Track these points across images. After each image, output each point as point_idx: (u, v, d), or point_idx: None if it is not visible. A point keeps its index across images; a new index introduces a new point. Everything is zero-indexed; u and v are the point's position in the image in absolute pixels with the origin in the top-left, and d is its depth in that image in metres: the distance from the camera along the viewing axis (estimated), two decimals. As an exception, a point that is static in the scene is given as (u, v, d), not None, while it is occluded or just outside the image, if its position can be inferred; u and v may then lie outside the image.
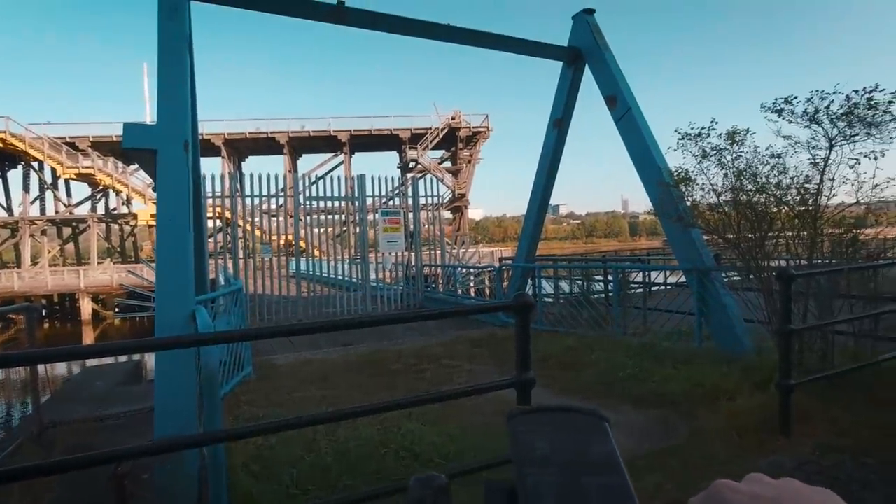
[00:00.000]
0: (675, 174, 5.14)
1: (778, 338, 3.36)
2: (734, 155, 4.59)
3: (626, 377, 4.44)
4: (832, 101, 4.13)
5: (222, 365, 4.63)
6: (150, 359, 11.56)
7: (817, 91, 4.19)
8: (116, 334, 23.27)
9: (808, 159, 4.29)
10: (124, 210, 32.97)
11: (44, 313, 25.76)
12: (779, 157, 4.42)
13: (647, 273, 6.83)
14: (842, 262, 4.09)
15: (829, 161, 4.15)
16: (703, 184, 4.85)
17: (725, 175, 4.63)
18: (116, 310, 21.75)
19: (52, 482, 2.88)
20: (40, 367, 4.31)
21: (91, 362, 8.45)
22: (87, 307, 25.00)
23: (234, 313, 5.66)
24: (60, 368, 9.94)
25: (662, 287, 6.92)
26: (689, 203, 5.15)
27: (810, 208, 4.23)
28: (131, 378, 6.83)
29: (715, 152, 4.64)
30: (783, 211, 4.49)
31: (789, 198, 4.38)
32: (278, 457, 3.15)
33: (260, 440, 3.28)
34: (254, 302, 9.80)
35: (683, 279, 5.79)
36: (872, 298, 4.01)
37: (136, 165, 29.62)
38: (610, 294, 6.93)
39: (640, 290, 6.80)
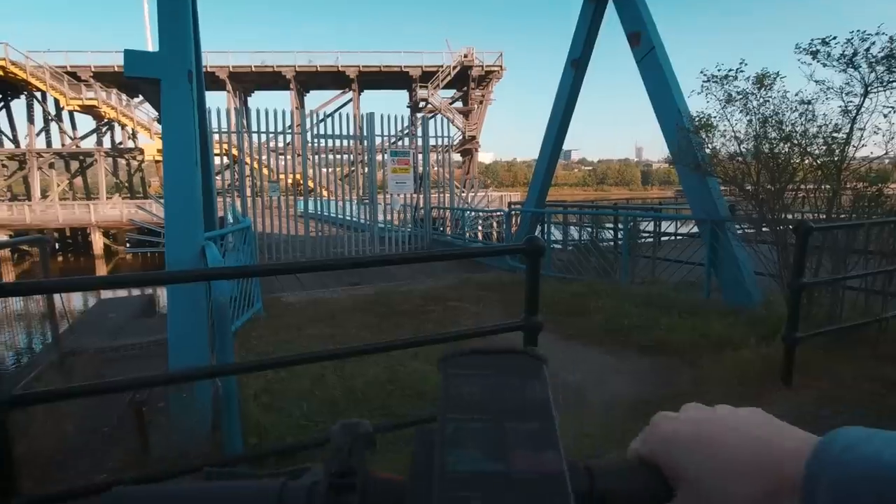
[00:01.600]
0: (697, 120, 4.94)
1: (789, 291, 3.32)
2: (761, 100, 4.37)
3: (632, 325, 4.48)
4: (873, 44, 3.87)
5: (233, 301, 4.71)
6: (162, 293, 11.85)
7: (858, 31, 3.92)
8: (128, 269, 23.75)
9: (840, 107, 4.09)
10: (130, 145, 32.69)
11: (56, 247, 26.20)
12: (808, 103, 4.20)
13: (658, 222, 6.73)
14: (862, 217, 3.98)
15: (862, 109, 3.95)
16: (724, 130, 4.67)
17: (749, 122, 4.44)
18: (127, 245, 22.04)
19: (73, 407, 3.00)
20: (57, 299, 4.40)
21: (105, 295, 8.65)
22: (98, 242, 25.37)
23: (243, 251, 5.70)
24: (76, 301, 10.22)
25: (673, 237, 6.83)
26: (708, 151, 4.97)
27: (836, 159, 4.07)
28: (144, 311, 7.01)
29: (741, 97, 4.43)
30: (806, 162, 4.33)
31: (815, 148, 4.21)
32: (288, 390, 3.25)
33: (270, 374, 3.38)
34: (262, 241, 9.86)
35: (695, 230, 5.70)
36: (890, 255, 3.93)
37: (141, 98, 29.14)
38: (619, 242, 6.88)
39: (651, 239, 6.72)
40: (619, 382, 3.66)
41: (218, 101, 42.66)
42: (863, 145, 4.01)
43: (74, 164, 33.83)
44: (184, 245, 3.24)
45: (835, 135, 4.08)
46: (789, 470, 0.31)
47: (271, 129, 10.60)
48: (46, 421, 2.73)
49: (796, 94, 4.26)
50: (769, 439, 0.33)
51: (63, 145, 32.23)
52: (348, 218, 12.79)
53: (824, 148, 4.13)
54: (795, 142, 4.22)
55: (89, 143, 32.80)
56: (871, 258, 3.98)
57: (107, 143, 32.97)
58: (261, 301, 5.85)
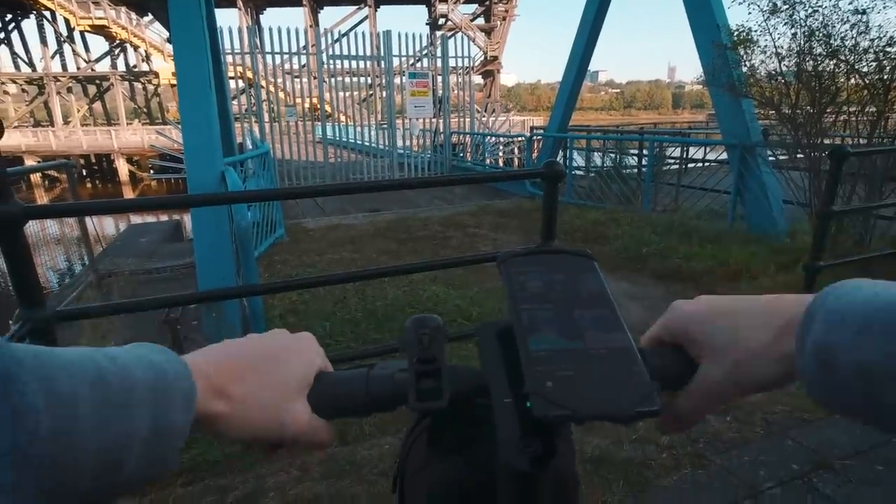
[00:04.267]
0: (735, 34, 4.58)
1: (818, 219, 3.23)
2: (809, 10, 4.00)
3: (650, 253, 4.46)
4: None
5: (255, 226, 4.80)
6: (189, 218, 12.16)
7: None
8: (154, 195, 24.20)
9: (898, 17, 3.72)
10: (145, 68, 32.06)
11: (84, 173, 26.67)
12: (863, 13, 3.83)
13: (685, 148, 6.45)
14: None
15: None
16: (765, 46, 4.33)
17: (794, 36, 4.09)
18: (151, 171, 22.30)
19: (114, 322, 3.21)
20: (89, 224, 4.55)
21: (135, 220, 8.91)
22: (123, 168, 25.70)
23: (262, 177, 5.73)
24: (108, 227, 10.56)
25: (700, 164, 6.58)
26: (744, 69, 4.65)
27: (885, 77, 3.77)
28: (173, 236, 7.23)
29: (788, 6, 4.05)
30: (852, 81, 4.02)
31: (863, 65, 3.89)
32: (311, 311, 3.39)
33: (294, 296, 3.51)
34: (281, 167, 9.86)
35: (724, 156, 5.47)
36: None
37: (150, 17, 28.14)
38: (643, 169, 6.68)
39: (676, 165, 6.49)
40: (632, 308, 3.71)
41: (228, 19, 40.87)
42: (918, 61, 3.69)
43: (92, 89, 33.54)
44: (204, 170, 3.27)
45: (888, 49, 3.75)
46: (795, 312, 0.33)
47: (285, 49, 10.22)
48: (94, 334, 2.94)
49: (850, 3, 3.88)
50: (778, 297, 0.37)
51: (78, 69, 31.80)
52: (367, 144, 12.60)
53: (874, 64, 3.82)
54: (843, 58, 3.90)
55: (104, 67, 32.29)
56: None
57: (121, 67, 32.39)
58: (283, 227, 5.96)
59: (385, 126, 11.68)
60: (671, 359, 0.40)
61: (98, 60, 32.54)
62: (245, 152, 6.80)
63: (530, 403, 0.32)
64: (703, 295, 0.40)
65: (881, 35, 3.81)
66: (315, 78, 11.03)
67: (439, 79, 11.32)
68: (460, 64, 11.70)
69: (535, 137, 9.02)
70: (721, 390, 0.36)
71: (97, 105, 35.21)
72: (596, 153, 7.46)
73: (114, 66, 31.93)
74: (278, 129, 10.70)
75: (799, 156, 4.26)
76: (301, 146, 10.81)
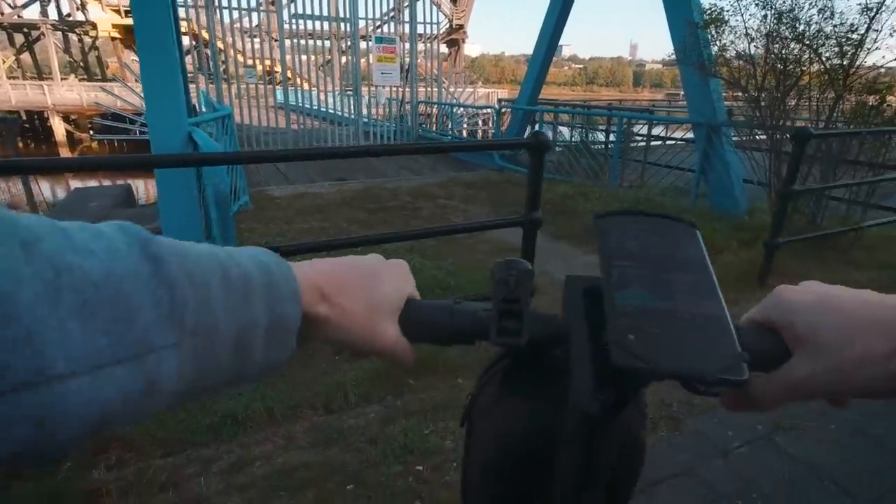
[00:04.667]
0: (708, 13, 4.66)
1: (778, 198, 3.40)
2: (781, -9, 4.11)
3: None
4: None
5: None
6: (140, 183, 11.44)
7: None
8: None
9: (859, 3, 3.89)
10: (80, 17, 29.48)
11: (14, 130, 24.54)
12: (830, -2, 3.98)
13: (651, 125, 6.60)
14: (860, 127, 3.98)
15: (883, 7, 3.76)
16: (735, 26, 4.44)
17: (764, 17, 4.21)
18: (91, 132, 20.77)
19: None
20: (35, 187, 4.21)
21: (75, 185, 8.32)
22: (59, 128, 23.82)
23: (223, 141, 5.45)
24: (45, 191, 9.82)
25: (665, 142, 6.75)
26: (715, 49, 4.76)
27: (845, 63, 3.95)
28: (125, 201, 6.83)
29: (760, -14, 4.15)
30: (814, 66, 4.20)
31: (825, 49, 4.06)
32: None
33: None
34: (239, 132, 9.42)
35: (689, 135, 5.63)
36: (878, 166, 3.99)
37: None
38: (611, 144, 6.80)
39: (643, 142, 6.64)
40: (583, 263, 3.82)
41: (177, -30, 37.98)
42: (875, 48, 3.89)
43: (19, 39, 30.64)
44: (169, 130, 3.07)
45: (850, 35, 3.92)
46: None
47: (242, 5, 9.64)
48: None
49: (818, -13, 4.01)
50: (893, 304, 0.35)
51: (2, 14, 28.90)
52: (331, 111, 12.20)
53: (836, 49, 3.99)
54: (807, 42, 4.06)
55: (33, 14, 29.49)
56: (858, 169, 4.04)
57: (53, 15, 29.67)
58: (247, 194, 5.73)
59: (350, 93, 11.32)
60: (765, 342, 0.38)
61: (25, 6, 29.65)
62: (200, 115, 6.43)
63: (610, 352, 0.31)
64: (811, 281, 0.39)
65: (843, 21, 3.98)
66: (275, 40, 10.47)
67: (406, 45, 11.01)
68: (427, 31, 11.41)
69: (503, 109, 8.97)
70: (811, 387, 0.35)
71: (26, 57, 32.27)
72: (564, 128, 7.51)
73: (44, 13, 29.20)
74: (234, 91, 10.15)
75: (762, 137, 4.44)
76: (260, 111, 10.33)
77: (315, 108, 12.44)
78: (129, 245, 0.26)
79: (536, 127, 8.31)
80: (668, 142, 6.44)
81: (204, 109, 8.02)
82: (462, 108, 11.13)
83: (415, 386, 2.43)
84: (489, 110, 10.81)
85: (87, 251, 0.24)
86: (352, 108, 11.17)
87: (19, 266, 0.21)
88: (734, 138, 4.99)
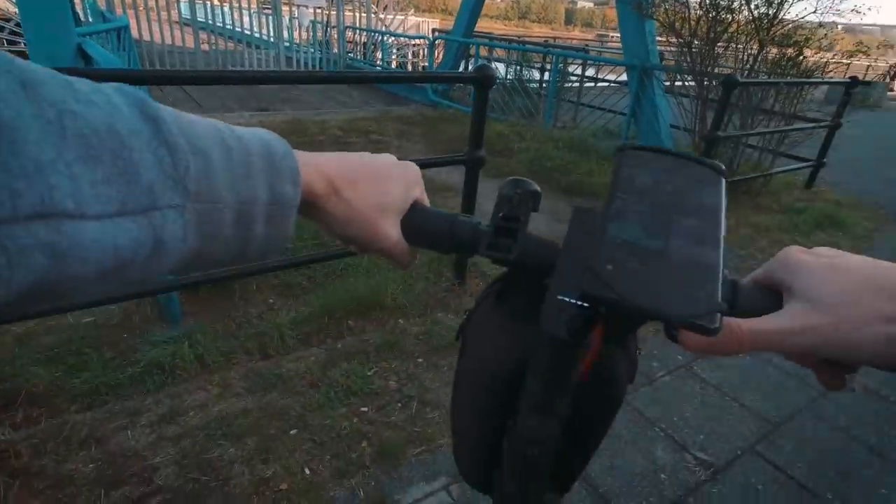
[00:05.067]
0: (649, -49, 4.60)
1: (704, 142, 3.56)
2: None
3: (554, 167, 4.63)
4: None
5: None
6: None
7: None
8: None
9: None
10: None
11: None
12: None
13: (584, 66, 6.58)
14: (777, 77, 4.20)
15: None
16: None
17: (702, -40, 4.22)
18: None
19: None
20: None
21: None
22: None
23: (120, 58, 4.73)
24: None
25: (598, 83, 6.80)
26: (653, -10, 4.75)
27: (770, 13, 4.10)
28: None
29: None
30: (744, 14, 4.32)
31: (755, -3, 4.17)
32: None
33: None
34: (140, 49, 8.28)
35: (622, 77, 5.71)
36: (790, 116, 4.28)
37: None
38: (545, 84, 6.74)
39: (577, 83, 6.65)
40: (538, 219, 3.89)
41: None
42: None
43: None
44: (53, 41, 2.59)
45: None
46: None
47: None
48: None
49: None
50: None
51: None
52: (246, 32, 11.02)
53: (765, -1, 4.12)
54: (739, -10, 4.14)
55: None
56: (773, 119, 4.31)
57: None
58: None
59: (268, 11, 10.25)
60: (762, 299, 0.37)
61: None
62: (87, 25, 5.54)
63: (587, 282, 0.32)
64: (822, 247, 0.37)
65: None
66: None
67: (332, -40, 10.02)
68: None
69: (437, 40, 8.56)
70: (801, 340, 0.33)
71: None
72: (500, 64, 7.33)
73: None
74: (129, 0, 8.81)
75: (690, 83, 4.58)
76: (161, 27, 9.08)
77: (227, 26, 11.18)
78: (129, 105, 0.26)
79: (472, 62, 8.04)
80: (601, 83, 6.50)
81: (91, 20, 6.92)
82: (393, 38, 10.49)
83: (355, 327, 2.38)
84: (422, 41, 10.28)
85: (88, 101, 0.24)
86: (270, 29, 10.16)
87: (20, 102, 0.21)
88: (664, 82, 5.12)
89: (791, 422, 1.99)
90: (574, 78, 6.56)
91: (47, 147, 0.21)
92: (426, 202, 0.46)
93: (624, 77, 5.67)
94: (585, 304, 0.34)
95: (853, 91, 4.34)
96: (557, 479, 0.53)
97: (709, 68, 4.32)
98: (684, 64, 4.52)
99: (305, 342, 2.25)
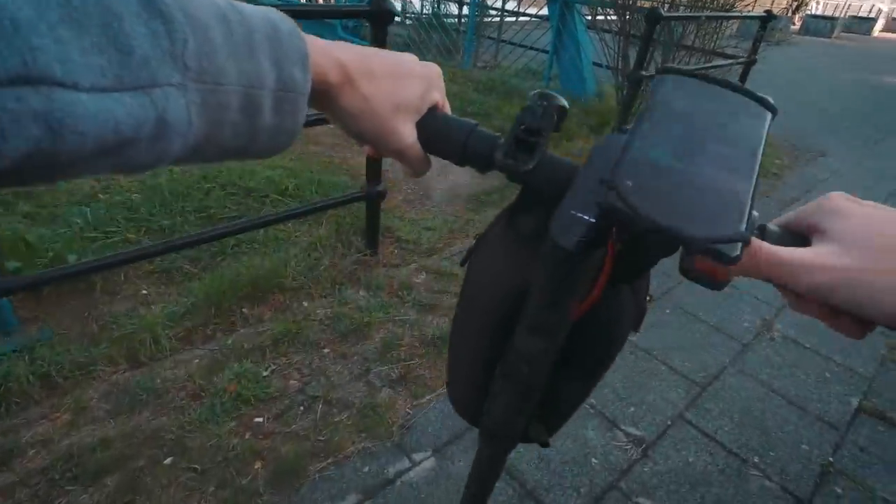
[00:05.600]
0: None
1: (628, 81, 3.37)
2: None
3: (475, 112, 4.31)
4: None
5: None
6: None
7: None
8: None
9: None
10: None
11: None
12: None
13: (505, -1, 6.11)
14: (697, 12, 4.04)
15: None
16: None
17: None
18: None
19: None
20: None
21: None
22: None
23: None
24: None
25: (521, 18, 6.35)
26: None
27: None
28: None
29: None
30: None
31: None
32: (60, 197, 2.49)
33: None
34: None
35: (544, 11, 5.35)
36: (710, 53, 4.18)
37: None
38: (464, 20, 6.24)
39: (498, 18, 6.22)
40: (458, 171, 3.61)
41: None
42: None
43: None
44: None
45: None
46: None
47: None
48: None
49: None
50: None
51: None
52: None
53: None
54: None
55: None
56: (693, 55, 4.20)
57: None
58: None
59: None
60: (788, 238, 0.34)
61: None
62: None
63: (606, 196, 0.30)
64: (870, 202, 0.33)
65: None
66: None
67: None
68: None
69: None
70: (823, 273, 0.30)
71: None
72: (414, -4, 6.70)
73: None
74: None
75: (612, 17, 4.33)
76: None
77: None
78: None
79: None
80: (522, 18, 6.10)
81: None
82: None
83: (250, 316, 2.04)
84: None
85: None
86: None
87: None
88: (586, 17, 4.82)
89: (717, 381, 1.94)
90: (494, 12, 6.12)
91: (24, 5, 0.19)
92: (447, 108, 0.44)
93: (546, 11, 5.32)
94: (598, 220, 0.32)
95: (768, 25, 4.30)
96: (546, 417, 0.51)
97: (631, 1, 4.09)
98: (606, -3, 4.27)
99: (187, 341, 1.90)
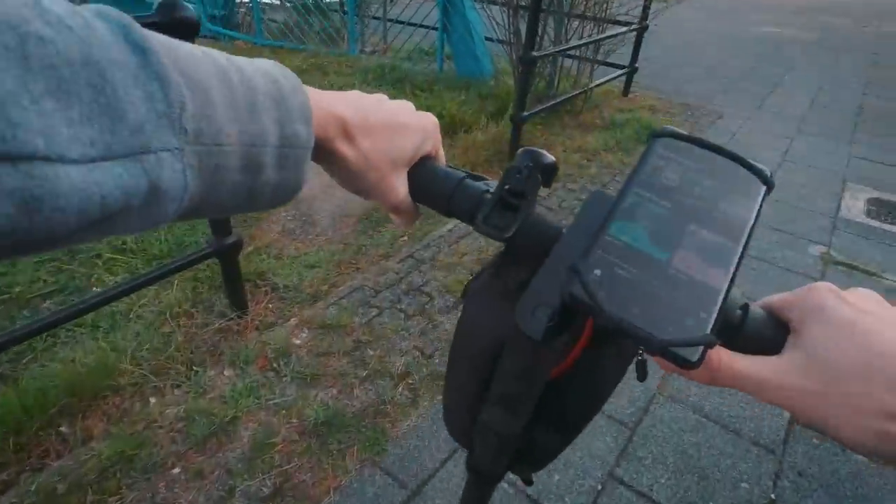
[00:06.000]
0: None
1: (520, 64, 3.07)
2: None
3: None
4: None
5: None
6: None
7: None
8: None
9: None
10: None
11: None
12: None
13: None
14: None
15: None
16: None
17: None
18: None
19: None
20: None
21: None
22: None
23: None
24: None
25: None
26: None
27: None
28: None
29: None
30: None
31: None
32: None
33: None
34: None
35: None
36: (603, 20, 3.96)
37: None
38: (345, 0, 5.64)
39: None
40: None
41: None
42: None
43: None
44: None
45: None
46: None
47: None
48: None
49: None
50: None
51: None
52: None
53: None
54: None
55: None
56: (586, 25, 3.96)
57: None
58: None
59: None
60: (766, 329, 0.33)
61: None
62: None
63: (568, 285, 0.30)
64: (866, 291, 0.31)
65: None
66: None
67: None
68: None
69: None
70: (781, 392, 0.30)
71: None
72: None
73: None
74: None
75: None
76: None
77: None
78: (111, 31, 0.22)
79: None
80: None
81: None
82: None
83: (70, 435, 1.56)
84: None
85: (60, 24, 0.20)
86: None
87: None
88: None
89: (647, 417, 1.73)
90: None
91: (6, 77, 0.18)
92: (441, 156, 0.45)
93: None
94: (563, 308, 0.32)
95: (656, -13, 4.15)
96: (529, 456, 0.48)
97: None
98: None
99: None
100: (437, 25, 4.72)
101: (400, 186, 0.39)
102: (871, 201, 3.19)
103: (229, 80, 0.26)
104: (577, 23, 3.93)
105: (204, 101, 0.25)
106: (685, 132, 0.35)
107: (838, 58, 7.23)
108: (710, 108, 4.67)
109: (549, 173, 0.38)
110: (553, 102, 3.53)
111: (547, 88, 4.03)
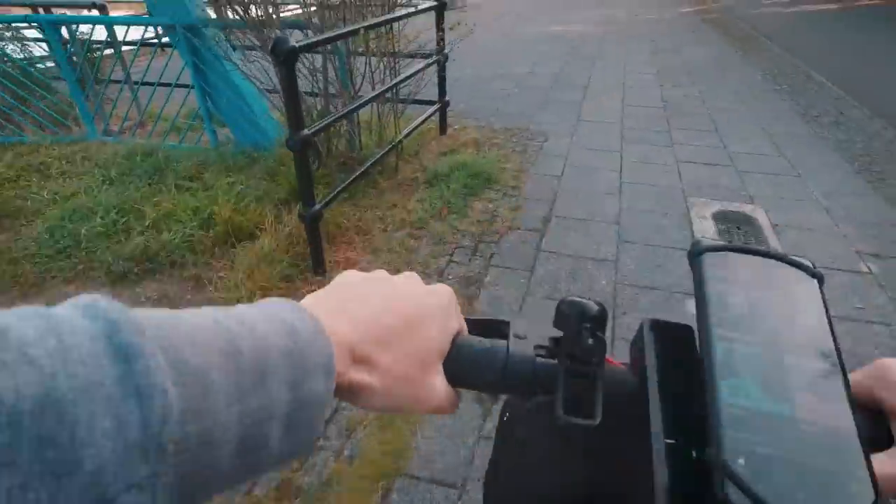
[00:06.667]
0: None
1: (294, 152, 2.25)
2: None
3: (96, 237, 2.70)
4: None
5: None
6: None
7: None
8: None
9: None
10: None
11: None
12: None
13: (112, 29, 4.17)
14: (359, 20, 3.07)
15: None
16: None
17: None
18: None
19: None
20: None
21: None
22: None
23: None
24: None
25: (145, 45, 4.44)
26: None
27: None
28: None
29: None
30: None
31: None
32: None
33: None
34: None
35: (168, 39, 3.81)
36: (390, 55, 3.26)
37: None
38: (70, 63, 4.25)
39: (112, 51, 4.37)
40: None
41: None
42: None
43: None
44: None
45: None
46: None
47: None
48: None
49: None
50: None
51: None
52: None
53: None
54: None
55: None
56: (381, 61, 3.26)
57: None
58: None
59: None
60: (876, 429, 0.31)
61: None
62: None
63: (723, 487, 0.25)
64: None
65: None
66: None
67: None
68: None
69: None
70: None
71: None
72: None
73: None
74: None
75: (257, 44, 3.09)
76: None
77: None
78: (93, 338, 0.19)
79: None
80: (150, 45, 4.32)
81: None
82: None
83: None
84: None
85: (23, 360, 0.17)
86: None
87: None
88: (231, 43, 3.44)
89: None
90: (99, 45, 4.30)
91: None
92: (465, 329, 0.38)
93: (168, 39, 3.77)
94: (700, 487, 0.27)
95: (444, 12, 3.61)
96: None
97: (270, 13, 2.93)
98: (236, 17, 3.01)
99: None
100: (192, 84, 3.62)
101: (439, 385, 0.34)
102: (716, 216, 2.98)
103: (237, 350, 0.23)
104: (365, 69, 3.21)
105: (198, 392, 0.21)
106: (717, 241, 0.34)
107: (628, 49, 7.61)
108: (533, 130, 4.31)
109: (602, 323, 0.33)
110: (355, 175, 2.76)
111: (348, 151, 3.27)
